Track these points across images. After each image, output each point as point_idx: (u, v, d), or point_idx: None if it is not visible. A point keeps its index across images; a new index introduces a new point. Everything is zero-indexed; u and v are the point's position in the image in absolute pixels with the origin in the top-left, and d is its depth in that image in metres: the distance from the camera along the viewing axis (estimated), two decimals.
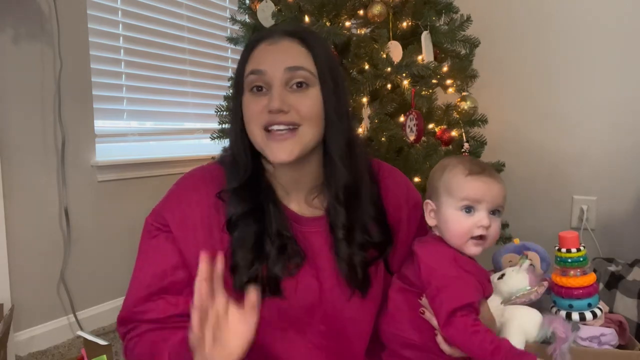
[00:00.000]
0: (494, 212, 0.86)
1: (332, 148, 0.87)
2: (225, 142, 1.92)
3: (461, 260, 0.85)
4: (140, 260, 0.89)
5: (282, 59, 0.83)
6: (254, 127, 0.83)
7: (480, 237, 0.84)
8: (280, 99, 0.80)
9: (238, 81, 0.87)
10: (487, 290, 0.87)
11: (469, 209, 0.85)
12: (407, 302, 0.88)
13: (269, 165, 0.88)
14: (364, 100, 1.68)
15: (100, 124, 2.05)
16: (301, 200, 0.91)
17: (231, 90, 0.95)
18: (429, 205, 0.90)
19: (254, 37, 0.90)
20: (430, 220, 0.90)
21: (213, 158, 1.95)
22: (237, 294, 0.79)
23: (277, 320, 0.85)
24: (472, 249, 0.85)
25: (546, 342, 1.08)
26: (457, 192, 0.85)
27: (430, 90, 1.79)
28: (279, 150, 0.82)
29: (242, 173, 0.86)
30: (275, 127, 0.81)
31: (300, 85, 0.83)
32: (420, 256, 0.86)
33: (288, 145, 0.82)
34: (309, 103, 0.83)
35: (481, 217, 0.84)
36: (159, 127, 2.39)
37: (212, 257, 0.72)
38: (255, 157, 0.88)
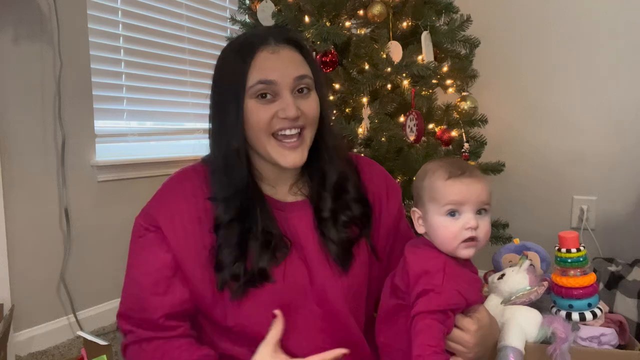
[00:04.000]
0: (480, 211, 0.85)
1: (326, 144, 0.94)
2: None
3: (450, 268, 0.83)
4: (133, 261, 0.92)
5: (290, 69, 0.88)
6: (261, 135, 0.87)
7: (471, 239, 0.83)
8: (295, 107, 0.86)
9: (234, 87, 0.88)
10: (472, 300, 0.85)
11: (453, 213, 0.84)
12: (402, 316, 0.87)
13: (255, 170, 0.92)
14: (364, 100, 1.68)
15: (101, 124, 2.05)
16: (285, 191, 0.96)
17: (218, 96, 0.96)
18: (415, 213, 0.90)
19: (244, 41, 0.91)
20: (420, 228, 0.89)
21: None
22: (219, 294, 0.86)
23: (273, 305, 0.87)
24: (464, 252, 0.84)
25: (546, 342, 1.08)
26: (440, 198, 0.84)
27: (430, 90, 1.79)
28: (292, 158, 0.88)
29: (236, 181, 0.89)
30: (287, 132, 0.87)
31: (301, 90, 0.88)
32: (409, 263, 0.85)
33: (299, 152, 0.88)
34: (314, 106, 0.90)
35: (468, 218, 0.83)
36: (159, 127, 2.39)
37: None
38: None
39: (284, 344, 0.87)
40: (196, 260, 0.87)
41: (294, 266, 0.90)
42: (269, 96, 0.86)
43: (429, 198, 0.86)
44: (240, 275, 0.85)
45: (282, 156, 0.87)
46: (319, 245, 0.92)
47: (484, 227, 0.84)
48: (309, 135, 0.90)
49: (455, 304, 0.81)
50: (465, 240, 0.83)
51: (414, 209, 0.90)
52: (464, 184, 0.84)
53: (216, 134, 0.94)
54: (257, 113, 0.86)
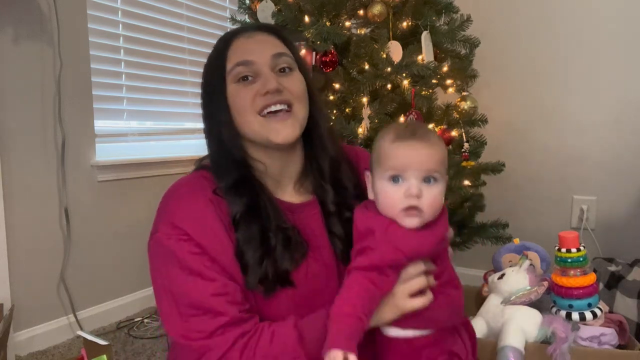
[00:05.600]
0: (429, 179, 0.77)
1: (318, 125, 0.93)
2: None
3: (393, 234, 0.77)
4: (177, 279, 0.81)
5: (266, 48, 0.88)
6: (249, 115, 0.86)
7: (413, 208, 0.76)
8: (275, 80, 0.85)
9: (217, 78, 0.89)
10: (413, 255, 0.77)
11: (396, 179, 0.77)
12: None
13: (256, 163, 0.90)
14: (364, 100, 1.68)
15: (101, 124, 2.05)
16: (291, 190, 0.95)
17: (204, 91, 0.95)
18: (368, 177, 0.84)
19: (224, 35, 0.95)
20: (370, 194, 0.83)
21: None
22: (248, 293, 0.83)
23: (293, 309, 0.86)
24: (406, 221, 0.76)
25: (546, 342, 1.08)
26: (384, 161, 0.78)
27: (430, 90, 1.79)
28: (283, 130, 0.85)
29: (236, 166, 0.88)
30: (273, 108, 0.85)
31: (283, 70, 0.89)
32: (356, 220, 0.82)
33: (289, 124, 0.86)
34: (298, 83, 0.89)
35: (410, 185, 0.76)
36: (159, 127, 2.39)
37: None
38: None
39: None
40: (230, 257, 0.83)
41: (313, 268, 0.88)
42: (249, 78, 0.87)
43: (375, 161, 0.81)
44: (268, 275, 0.83)
45: (272, 130, 0.85)
46: (330, 244, 0.91)
47: (429, 196, 0.76)
48: (299, 111, 0.88)
49: (392, 260, 0.75)
50: (407, 209, 0.76)
51: (367, 172, 0.85)
52: (410, 148, 0.77)
53: (208, 128, 0.93)
54: (239, 95, 0.87)
